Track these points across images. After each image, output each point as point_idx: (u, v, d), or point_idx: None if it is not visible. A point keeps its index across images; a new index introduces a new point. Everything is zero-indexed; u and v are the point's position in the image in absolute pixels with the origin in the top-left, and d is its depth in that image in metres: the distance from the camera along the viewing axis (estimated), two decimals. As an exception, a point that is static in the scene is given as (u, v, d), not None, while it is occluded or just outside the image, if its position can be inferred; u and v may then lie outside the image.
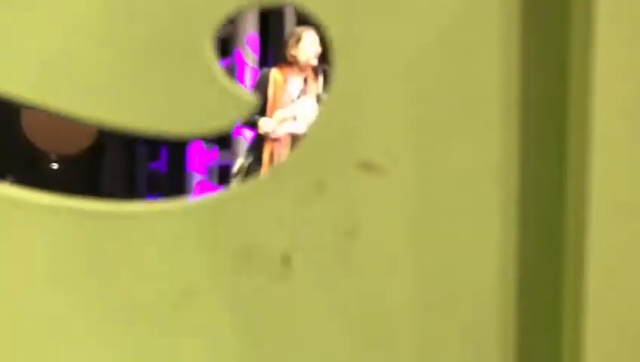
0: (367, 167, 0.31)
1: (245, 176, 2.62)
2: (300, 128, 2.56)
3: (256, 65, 3.70)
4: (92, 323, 0.30)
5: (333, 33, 0.29)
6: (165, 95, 0.29)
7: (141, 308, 0.30)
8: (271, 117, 2.60)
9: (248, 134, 2.94)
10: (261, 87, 2.59)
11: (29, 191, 0.29)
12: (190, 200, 0.31)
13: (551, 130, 0.31)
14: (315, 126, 0.31)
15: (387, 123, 0.31)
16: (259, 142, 2.59)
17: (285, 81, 2.65)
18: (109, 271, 0.30)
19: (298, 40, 2.62)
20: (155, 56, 0.29)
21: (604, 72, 0.29)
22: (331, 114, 0.31)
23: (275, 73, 2.59)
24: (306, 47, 2.60)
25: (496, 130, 0.31)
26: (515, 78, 0.31)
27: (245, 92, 0.30)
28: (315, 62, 2.61)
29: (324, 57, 2.73)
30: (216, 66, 0.29)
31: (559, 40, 0.30)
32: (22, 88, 0.29)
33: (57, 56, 0.28)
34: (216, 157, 3.93)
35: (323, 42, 2.68)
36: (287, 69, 2.63)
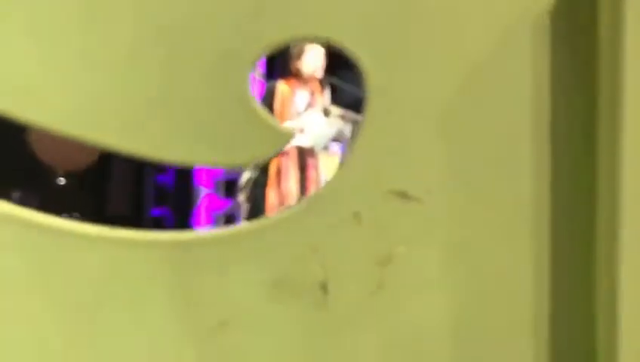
0: (403, 196, 0.31)
1: (252, 189, 2.63)
2: (306, 141, 2.57)
3: (262, 79, 3.72)
4: (129, 347, 0.31)
5: (370, 69, 0.30)
6: (208, 129, 0.30)
7: (179, 336, 0.31)
8: (278, 130, 2.60)
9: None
10: (268, 99, 2.61)
11: (78, 223, 0.30)
12: (230, 229, 0.31)
13: (581, 162, 0.32)
14: (351, 156, 0.31)
15: (421, 156, 0.32)
16: (266, 156, 2.59)
17: (292, 93, 2.66)
18: (152, 300, 0.31)
19: (300, 53, 2.63)
20: (198, 93, 0.30)
21: (633, 109, 0.30)
22: (367, 146, 0.31)
23: (281, 86, 2.61)
24: (309, 59, 2.61)
25: (527, 164, 0.32)
26: (545, 114, 0.32)
27: (282, 125, 0.31)
28: (320, 74, 2.62)
29: (331, 70, 2.74)
30: (255, 101, 0.30)
31: (587, 76, 0.31)
32: (65, 123, 0.29)
33: (104, 93, 0.29)
34: (222, 170, 3.94)
35: (328, 55, 2.70)
36: (293, 82, 2.64)
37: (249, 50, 0.29)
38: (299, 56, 2.74)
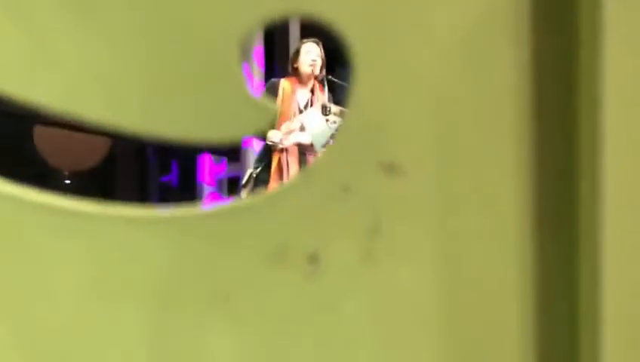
0: (390, 168, 0.32)
1: (254, 186, 2.64)
2: (307, 138, 2.58)
3: (262, 79, 3.73)
4: (128, 323, 0.32)
5: (356, 43, 0.31)
6: (194, 105, 0.31)
7: (177, 309, 0.32)
8: (279, 128, 2.62)
9: (257, 146, 2.97)
10: (269, 97, 2.62)
11: (72, 199, 0.30)
12: (224, 204, 0.32)
13: (562, 130, 0.32)
14: (341, 131, 0.32)
15: (408, 127, 0.32)
16: (267, 153, 2.61)
17: (293, 91, 2.68)
18: (148, 274, 0.32)
19: (297, 52, 2.65)
20: (184, 69, 0.30)
21: (614, 80, 0.30)
22: (355, 119, 0.32)
23: (284, 83, 2.62)
24: (304, 56, 2.63)
25: (511, 133, 0.32)
26: (527, 83, 0.32)
27: (268, 102, 0.32)
28: (318, 72, 2.64)
29: (329, 69, 2.76)
30: (243, 78, 0.31)
31: (568, 45, 0.32)
32: (55, 101, 0.30)
33: (92, 69, 0.30)
34: (225, 169, 3.96)
35: (326, 53, 2.71)
36: (294, 81, 2.66)
37: (236, 27, 0.30)
38: (296, 55, 2.75)
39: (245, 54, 0.31)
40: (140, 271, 0.31)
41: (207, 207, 0.32)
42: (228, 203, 0.32)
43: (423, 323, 0.33)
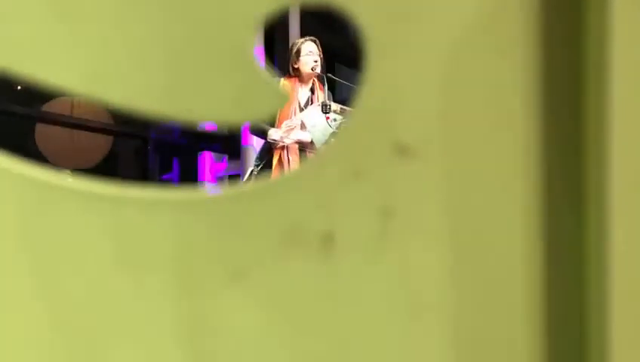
0: (401, 150, 0.33)
1: (255, 184, 2.64)
2: (307, 136, 2.59)
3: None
4: (150, 297, 0.32)
5: (369, 30, 0.32)
6: (211, 87, 0.31)
7: (194, 287, 0.33)
8: (279, 126, 2.63)
9: (257, 144, 2.97)
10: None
11: (88, 181, 0.31)
12: (239, 187, 0.33)
13: (569, 119, 0.33)
14: (353, 115, 0.33)
15: (418, 110, 0.33)
16: (268, 151, 2.62)
17: (293, 90, 2.68)
18: (164, 255, 0.32)
19: (298, 52, 2.66)
20: (202, 52, 0.31)
21: (621, 70, 0.31)
22: (367, 104, 0.33)
23: (283, 83, 2.63)
24: (306, 57, 2.64)
25: (519, 115, 0.33)
26: (535, 69, 0.33)
27: (281, 86, 0.32)
28: (318, 70, 2.65)
29: (329, 67, 2.76)
30: (258, 61, 0.32)
31: (576, 35, 0.33)
32: (77, 82, 0.31)
33: (106, 50, 0.31)
34: (225, 167, 3.96)
35: (326, 51, 2.72)
36: (294, 80, 2.67)
37: (252, 11, 0.31)
38: (296, 55, 2.76)
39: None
40: (159, 249, 0.32)
41: (223, 189, 0.33)
42: (243, 185, 0.33)
43: (436, 301, 0.33)
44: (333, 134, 2.52)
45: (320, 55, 2.70)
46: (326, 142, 2.52)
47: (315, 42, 2.69)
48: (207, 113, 0.32)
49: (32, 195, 0.31)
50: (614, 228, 0.31)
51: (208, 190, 0.32)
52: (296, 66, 2.69)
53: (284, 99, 0.33)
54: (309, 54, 2.68)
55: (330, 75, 2.73)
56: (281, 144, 2.60)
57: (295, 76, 2.67)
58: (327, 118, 2.56)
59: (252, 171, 2.65)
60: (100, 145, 4.22)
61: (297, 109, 2.68)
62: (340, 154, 0.33)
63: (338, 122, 2.48)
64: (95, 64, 0.30)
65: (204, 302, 0.32)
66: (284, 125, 2.65)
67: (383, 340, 0.33)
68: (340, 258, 0.32)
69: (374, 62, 0.33)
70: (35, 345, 0.31)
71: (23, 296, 0.31)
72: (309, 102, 2.73)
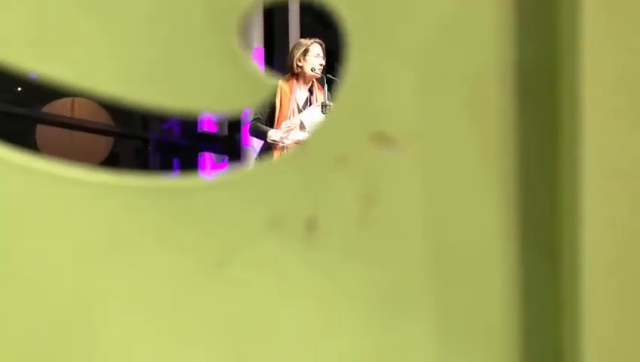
0: (381, 139, 0.34)
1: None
2: (307, 137, 2.60)
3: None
4: (136, 291, 0.33)
5: (350, 22, 0.33)
6: (198, 78, 0.33)
7: (178, 274, 0.34)
8: (278, 126, 2.64)
9: (257, 145, 2.99)
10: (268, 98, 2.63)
11: (83, 169, 0.32)
12: (222, 175, 0.34)
13: (544, 106, 0.34)
14: (335, 105, 0.34)
15: (397, 101, 0.34)
16: (268, 151, 2.63)
17: (292, 91, 2.70)
18: (149, 244, 0.33)
19: (306, 52, 2.67)
20: (187, 43, 0.32)
21: (593, 61, 0.32)
22: (348, 94, 0.34)
23: (281, 84, 2.64)
24: (313, 58, 2.65)
25: (495, 105, 0.34)
26: (509, 62, 0.34)
27: (267, 75, 0.33)
28: (319, 73, 2.66)
29: (328, 68, 2.78)
30: (243, 52, 0.33)
31: (549, 25, 0.34)
32: (62, 72, 0.32)
33: (97, 42, 0.32)
34: (226, 168, 3.98)
35: (326, 54, 2.73)
36: (293, 80, 2.68)
37: (237, 3, 0.32)
38: (303, 54, 2.77)
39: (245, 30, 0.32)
40: (145, 236, 0.33)
41: (205, 176, 0.34)
42: (226, 173, 0.34)
43: (416, 286, 0.34)
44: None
45: (324, 58, 2.72)
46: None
47: (321, 45, 2.71)
48: (193, 103, 0.33)
49: (28, 183, 0.32)
50: (587, 204, 0.32)
51: (191, 178, 0.33)
52: (300, 64, 2.70)
53: (271, 87, 0.34)
54: (317, 57, 2.70)
55: (329, 75, 2.74)
56: (281, 145, 2.61)
57: (295, 75, 2.69)
58: (327, 118, 2.56)
59: (251, 171, 2.66)
60: (100, 146, 4.24)
61: (296, 110, 2.69)
62: (323, 142, 0.34)
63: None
64: (83, 57, 0.32)
65: (190, 287, 0.33)
66: (283, 126, 2.66)
67: (363, 325, 0.34)
68: (323, 243, 0.34)
69: (355, 54, 0.34)
70: (28, 333, 0.32)
71: (19, 283, 0.32)
72: (308, 102, 2.74)
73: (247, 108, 0.33)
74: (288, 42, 3.81)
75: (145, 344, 0.33)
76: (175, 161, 4.33)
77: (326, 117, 0.34)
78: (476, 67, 0.34)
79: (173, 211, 0.33)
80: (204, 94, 0.33)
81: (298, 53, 2.72)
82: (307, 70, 2.70)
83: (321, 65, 2.68)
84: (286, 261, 0.34)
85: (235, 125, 3.97)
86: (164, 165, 4.32)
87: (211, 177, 0.34)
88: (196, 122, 4.02)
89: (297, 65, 2.70)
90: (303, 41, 2.80)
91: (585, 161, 0.32)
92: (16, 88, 4.04)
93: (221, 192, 0.34)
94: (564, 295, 0.32)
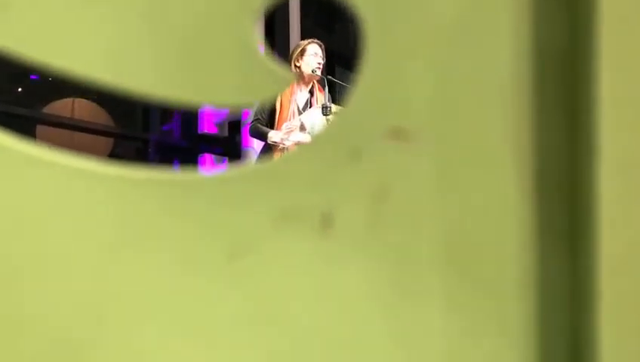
0: (396, 134, 0.34)
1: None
2: (307, 138, 2.60)
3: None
4: (148, 285, 0.33)
5: (367, 17, 0.33)
6: (215, 72, 0.33)
7: (192, 267, 0.34)
8: (279, 128, 2.64)
9: (257, 146, 2.99)
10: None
11: (92, 161, 0.32)
12: (236, 168, 0.34)
13: (561, 98, 0.34)
14: (350, 99, 0.34)
15: (412, 96, 0.34)
16: (268, 153, 2.63)
17: (292, 93, 2.70)
18: (164, 237, 0.33)
19: (302, 52, 2.68)
20: (205, 37, 0.32)
21: (610, 56, 0.32)
22: (364, 89, 0.34)
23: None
24: (310, 58, 2.65)
25: (510, 101, 0.34)
26: (525, 56, 0.34)
27: (283, 69, 0.33)
28: (319, 73, 2.66)
29: (329, 70, 2.78)
30: (259, 46, 0.33)
31: (566, 16, 0.34)
32: (84, 68, 0.32)
33: (114, 36, 0.32)
34: (224, 165, 3.98)
35: (326, 54, 2.73)
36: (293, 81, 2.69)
37: (253, 1, 0.32)
38: (300, 55, 2.77)
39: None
40: (159, 229, 0.33)
41: (220, 171, 0.34)
42: (240, 167, 0.34)
43: (424, 280, 0.34)
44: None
45: (323, 59, 2.72)
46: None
47: (320, 46, 2.71)
48: (210, 97, 0.33)
49: (34, 173, 0.32)
50: (604, 194, 0.32)
51: (207, 171, 0.33)
52: (298, 64, 2.70)
53: (286, 82, 0.34)
54: (314, 55, 2.70)
55: (330, 77, 2.74)
56: (281, 146, 2.61)
57: (295, 76, 2.69)
58: (327, 120, 2.57)
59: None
60: (100, 146, 4.23)
61: (296, 111, 2.69)
62: (338, 137, 0.34)
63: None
64: (101, 52, 0.32)
65: (203, 280, 0.33)
66: (284, 127, 2.66)
67: (376, 319, 0.34)
68: (337, 237, 0.34)
69: (372, 49, 0.34)
70: (38, 326, 0.32)
71: (26, 274, 0.32)
72: (309, 104, 2.74)
73: (267, 100, 0.33)
74: (289, 45, 3.82)
75: (157, 338, 0.33)
76: (175, 162, 4.33)
77: (341, 111, 0.34)
78: (492, 60, 0.34)
79: (187, 204, 0.33)
80: (222, 87, 0.33)
81: (295, 54, 2.72)
82: (305, 70, 2.70)
83: (319, 64, 2.68)
84: (299, 254, 0.34)
85: (235, 126, 3.97)
86: (165, 165, 4.31)
87: (225, 171, 0.34)
88: (196, 123, 4.02)
89: (295, 66, 2.70)
90: (300, 42, 2.81)
91: (602, 151, 0.32)
92: (17, 88, 4.04)
93: (234, 186, 0.34)
94: (580, 287, 0.32)
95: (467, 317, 0.34)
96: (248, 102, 0.33)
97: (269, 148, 2.66)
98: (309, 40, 2.72)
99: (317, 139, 0.34)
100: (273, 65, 0.33)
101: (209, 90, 0.33)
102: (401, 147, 0.34)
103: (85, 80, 0.32)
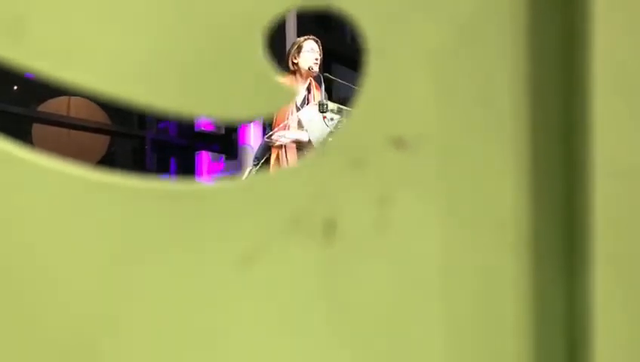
0: (398, 143, 0.35)
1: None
2: (304, 135, 2.61)
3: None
4: (160, 291, 0.34)
5: (368, 30, 0.34)
6: (220, 85, 0.34)
7: (198, 274, 0.35)
8: (276, 125, 2.65)
9: (254, 143, 3.00)
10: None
11: (98, 171, 0.33)
12: (244, 178, 0.35)
13: (557, 113, 0.35)
14: (353, 109, 0.35)
15: (415, 105, 0.35)
16: (265, 150, 2.64)
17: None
18: (176, 245, 0.34)
19: (299, 48, 2.68)
20: (213, 52, 0.33)
21: (604, 62, 0.33)
22: (367, 99, 0.35)
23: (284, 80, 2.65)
24: (307, 54, 2.66)
25: (508, 113, 0.35)
26: (522, 66, 0.35)
27: (287, 85, 0.35)
28: (316, 69, 2.67)
29: (324, 67, 2.79)
30: (266, 61, 0.34)
31: (562, 25, 0.35)
32: (97, 82, 0.33)
33: (122, 48, 0.33)
34: (222, 167, 3.99)
35: (323, 51, 2.74)
36: (290, 78, 2.69)
37: (260, 15, 0.33)
38: (297, 51, 2.78)
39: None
40: (167, 237, 0.34)
41: (225, 180, 0.35)
42: (245, 177, 0.35)
43: (432, 287, 0.36)
44: (330, 133, 2.54)
45: (320, 55, 2.72)
46: (323, 141, 2.54)
47: (317, 42, 2.72)
48: (216, 110, 0.34)
49: (33, 180, 0.33)
50: (598, 203, 0.33)
51: (211, 182, 0.34)
52: (295, 61, 2.70)
53: (291, 96, 0.35)
54: (311, 52, 2.71)
55: (327, 74, 2.75)
56: (278, 143, 2.62)
57: (292, 73, 2.70)
58: (324, 117, 2.58)
59: (251, 170, 2.68)
60: (97, 145, 4.23)
61: (294, 108, 2.70)
62: (341, 146, 0.35)
63: (335, 121, 2.50)
64: (111, 65, 0.33)
65: (212, 287, 0.34)
66: (281, 125, 2.67)
67: (381, 325, 0.35)
68: (342, 244, 0.35)
69: (374, 60, 0.35)
70: (38, 334, 0.33)
71: (23, 279, 0.33)
72: (306, 101, 2.75)
73: (268, 115, 0.34)
74: (285, 42, 3.82)
75: (169, 344, 0.35)
76: (172, 160, 4.33)
77: (345, 120, 0.36)
78: (493, 70, 0.35)
79: (197, 213, 0.34)
80: (228, 101, 0.34)
81: (292, 51, 2.73)
82: (302, 66, 2.70)
83: (316, 60, 2.69)
84: (304, 262, 0.35)
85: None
86: (161, 164, 4.32)
87: (234, 181, 0.35)
88: (193, 121, 4.02)
89: (293, 63, 2.70)
90: (297, 39, 2.81)
91: (596, 159, 0.34)
92: (13, 87, 4.03)
93: (241, 195, 0.35)
94: (576, 297, 0.34)
95: (466, 327, 0.35)
96: (253, 116, 0.34)
97: (266, 146, 2.67)
98: (306, 37, 2.73)
99: (323, 150, 0.35)
100: (278, 81, 0.34)
101: (216, 104, 0.34)
102: (404, 156, 0.35)
103: (93, 94, 0.33)
